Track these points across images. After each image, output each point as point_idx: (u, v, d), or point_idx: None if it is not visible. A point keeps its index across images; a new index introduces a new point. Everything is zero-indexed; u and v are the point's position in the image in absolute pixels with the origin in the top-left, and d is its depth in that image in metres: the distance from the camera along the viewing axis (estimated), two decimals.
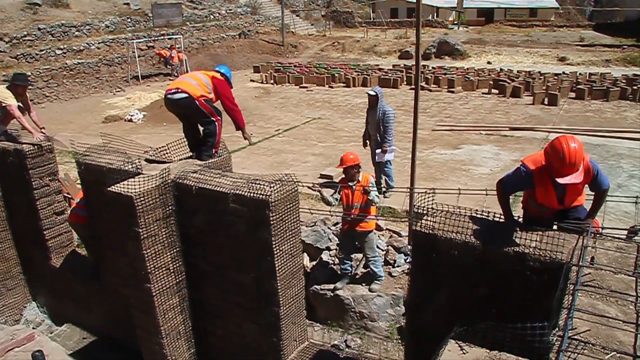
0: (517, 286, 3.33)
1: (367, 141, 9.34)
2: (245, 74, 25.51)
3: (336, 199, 6.26)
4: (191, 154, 5.88)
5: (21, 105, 7.17)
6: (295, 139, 14.20)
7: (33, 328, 7.38)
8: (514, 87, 18.71)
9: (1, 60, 22.09)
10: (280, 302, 4.79)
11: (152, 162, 5.60)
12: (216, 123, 5.77)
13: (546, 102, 17.20)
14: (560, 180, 3.44)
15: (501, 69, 22.88)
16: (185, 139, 5.98)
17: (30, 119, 7.36)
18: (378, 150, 8.97)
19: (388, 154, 8.95)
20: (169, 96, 5.63)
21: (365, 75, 22.06)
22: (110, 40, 26.54)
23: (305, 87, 21.93)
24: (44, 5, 26.84)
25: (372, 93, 9.02)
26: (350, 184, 6.15)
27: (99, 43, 26.01)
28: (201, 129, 5.90)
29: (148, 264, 4.86)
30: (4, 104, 6.93)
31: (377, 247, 7.24)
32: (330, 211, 6.74)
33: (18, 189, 7.02)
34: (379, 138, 8.93)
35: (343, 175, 6.37)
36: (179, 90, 5.56)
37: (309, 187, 6.06)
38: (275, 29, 35.29)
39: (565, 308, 2.62)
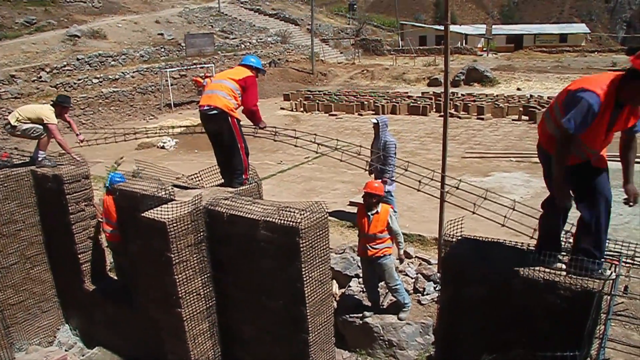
0: (547, 315, 3.28)
1: (372, 169, 8.88)
2: (275, 102, 25.86)
3: None
4: (222, 180, 6.01)
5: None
6: (325, 166, 14.23)
7: (65, 350, 7.53)
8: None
9: (42, 89, 22.92)
10: (310, 329, 4.80)
11: (185, 189, 5.73)
12: (240, 150, 5.91)
13: None
14: None
15: (531, 95, 22.63)
16: (217, 165, 6.14)
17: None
18: (379, 181, 7.97)
19: (389, 185, 8.52)
20: (203, 111, 5.86)
21: (395, 103, 22.13)
22: (145, 69, 27.31)
23: (335, 115, 22.07)
24: (82, 37, 27.95)
25: (374, 121, 8.84)
26: (368, 212, 6.18)
27: (133, 72, 26.78)
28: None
29: (179, 289, 4.94)
30: (46, 122, 7.20)
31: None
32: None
33: (55, 213, 7.24)
34: (379, 168, 8.62)
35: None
36: (212, 107, 5.76)
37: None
38: (305, 58, 35.79)
39: (598, 337, 2.58)
